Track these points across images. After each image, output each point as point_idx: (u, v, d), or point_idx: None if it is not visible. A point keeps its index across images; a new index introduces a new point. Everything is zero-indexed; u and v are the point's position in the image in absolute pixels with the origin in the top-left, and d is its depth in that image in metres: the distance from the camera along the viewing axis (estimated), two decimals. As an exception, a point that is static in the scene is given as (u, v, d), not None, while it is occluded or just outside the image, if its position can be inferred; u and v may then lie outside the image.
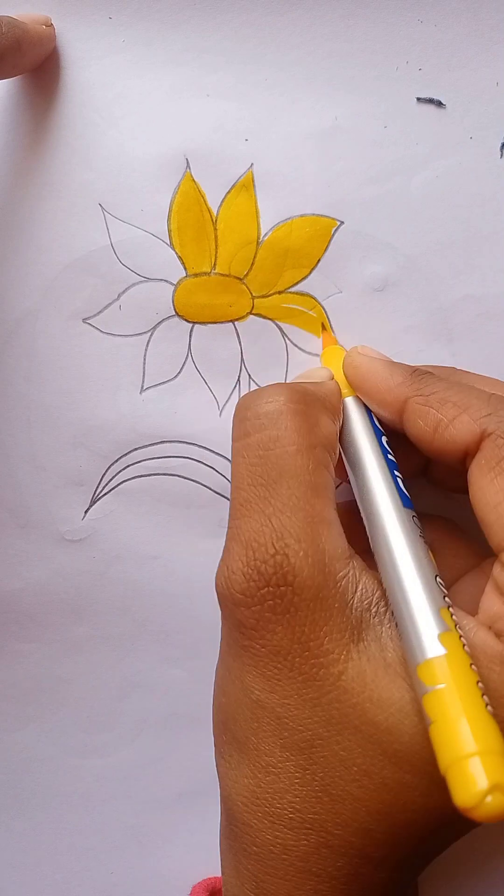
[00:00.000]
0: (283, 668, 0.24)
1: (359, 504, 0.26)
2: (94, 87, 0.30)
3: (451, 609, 0.23)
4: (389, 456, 0.27)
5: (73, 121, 0.31)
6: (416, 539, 0.25)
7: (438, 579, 0.24)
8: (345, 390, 0.29)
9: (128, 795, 0.33)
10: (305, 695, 0.24)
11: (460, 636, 0.22)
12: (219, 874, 0.32)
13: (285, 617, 0.24)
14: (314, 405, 0.26)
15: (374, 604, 0.24)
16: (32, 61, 0.30)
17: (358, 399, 0.28)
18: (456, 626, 0.23)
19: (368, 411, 0.28)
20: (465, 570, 0.28)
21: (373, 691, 0.23)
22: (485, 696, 0.21)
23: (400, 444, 0.28)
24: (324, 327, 0.31)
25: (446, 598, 0.23)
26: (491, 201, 0.30)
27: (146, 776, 0.33)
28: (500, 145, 0.30)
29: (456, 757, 0.20)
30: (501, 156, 0.31)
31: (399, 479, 0.26)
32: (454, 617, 0.23)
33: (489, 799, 0.20)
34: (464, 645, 0.22)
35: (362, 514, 0.26)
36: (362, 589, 0.24)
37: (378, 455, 0.27)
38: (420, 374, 0.27)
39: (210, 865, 0.33)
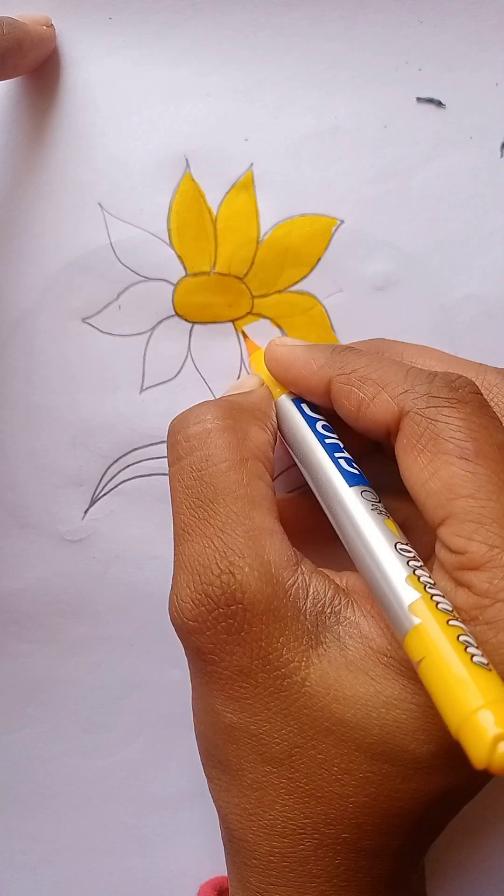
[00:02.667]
0: (248, 686, 0.24)
1: (318, 498, 0.26)
2: (94, 88, 0.31)
3: (418, 573, 0.23)
4: (328, 440, 0.27)
5: (73, 121, 0.31)
6: (365, 514, 0.24)
7: (400, 546, 0.24)
8: (276, 390, 0.28)
9: (128, 795, 0.33)
10: (275, 708, 0.24)
11: (432, 596, 0.22)
12: (223, 873, 0.32)
13: (240, 635, 0.24)
14: (243, 417, 0.26)
15: (327, 605, 0.24)
16: (33, 62, 0.30)
17: (289, 394, 0.28)
18: (426, 587, 0.22)
19: (300, 402, 0.28)
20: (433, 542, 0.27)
21: (337, 691, 0.23)
22: (471, 648, 0.21)
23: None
24: (244, 335, 0.31)
25: (411, 563, 0.23)
26: (491, 201, 0.31)
27: (146, 776, 0.33)
28: (500, 145, 0.30)
29: (463, 716, 0.20)
30: (501, 155, 0.31)
31: (342, 460, 0.26)
32: (422, 580, 0.23)
33: (502, 746, 0.19)
34: (437, 604, 0.22)
35: (323, 508, 0.26)
36: (314, 592, 0.24)
37: (315, 444, 0.27)
38: (340, 350, 0.27)
39: (210, 865, 0.33)
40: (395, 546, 0.24)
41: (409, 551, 0.24)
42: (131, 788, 0.33)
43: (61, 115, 0.31)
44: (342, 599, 0.25)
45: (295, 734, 0.24)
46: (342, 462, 0.26)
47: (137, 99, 0.30)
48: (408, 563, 0.23)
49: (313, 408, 0.28)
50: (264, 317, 0.31)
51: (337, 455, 0.26)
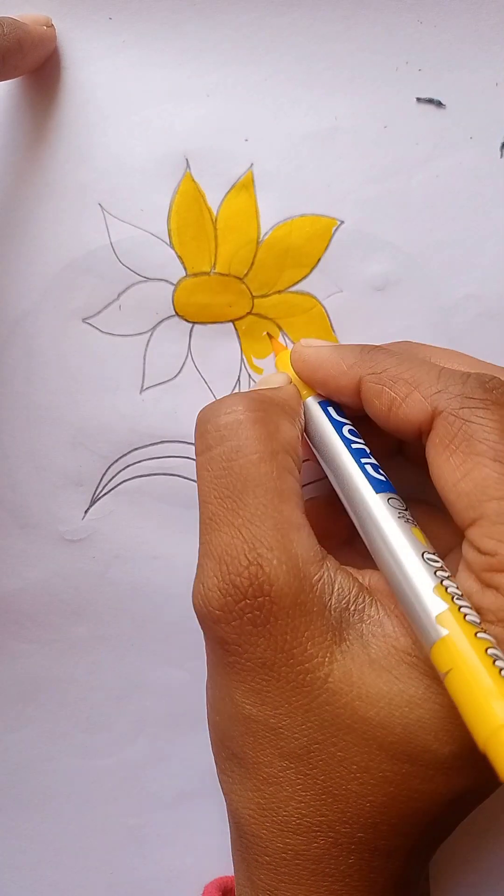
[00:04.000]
0: (270, 679, 0.24)
1: (343, 503, 0.26)
2: (95, 88, 0.30)
3: (445, 583, 0.23)
4: (355, 445, 0.27)
5: (73, 121, 0.31)
6: (393, 522, 0.25)
7: (427, 555, 0.24)
8: (303, 392, 0.28)
9: (128, 795, 0.33)
10: (296, 702, 0.24)
11: (460, 608, 0.22)
12: (227, 873, 0.32)
13: (266, 628, 0.24)
14: (273, 411, 0.26)
15: (351, 602, 0.24)
16: (33, 62, 0.30)
17: (317, 397, 0.28)
18: (454, 598, 0.22)
19: (327, 406, 0.28)
20: (446, 550, 0.27)
21: (360, 689, 0.23)
22: (500, 662, 0.21)
23: (373, 426, 0.27)
24: (270, 336, 0.31)
25: (438, 573, 0.23)
26: (491, 201, 0.31)
27: (146, 776, 0.33)
28: (499, 145, 0.30)
29: (491, 730, 0.20)
30: (501, 156, 0.31)
31: (369, 466, 0.26)
32: (450, 590, 0.23)
33: None
34: (465, 616, 0.22)
35: (349, 513, 0.26)
36: (339, 589, 0.24)
37: (342, 449, 0.27)
38: (370, 350, 0.27)
39: (211, 865, 0.33)
40: (423, 555, 0.24)
41: (437, 561, 0.24)
42: (131, 788, 0.33)
43: (61, 115, 0.31)
44: (366, 598, 0.24)
45: (315, 730, 0.24)
46: (369, 468, 0.26)
47: (137, 99, 0.30)
48: (435, 572, 0.23)
49: (339, 411, 0.28)
50: (264, 317, 0.31)
51: (364, 461, 0.26)
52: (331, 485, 0.27)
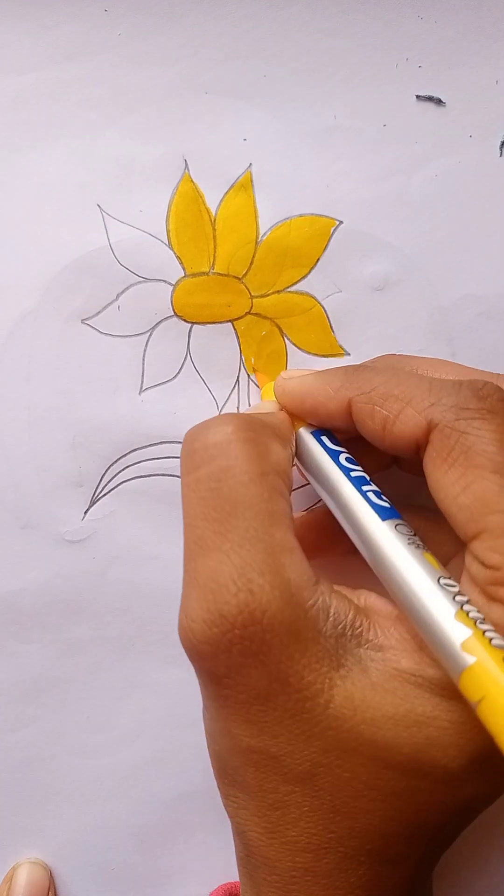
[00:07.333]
0: (266, 709, 0.23)
1: (348, 534, 0.26)
2: (91, 84, 0.30)
3: (466, 608, 0.22)
4: (354, 473, 0.26)
5: (71, 120, 0.30)
6: (404, 550, 0.24)
7: (443, 581, 0.23)
8: (294, 423, 0.28)
9: (128, 795, 0.33)
10: (296, 729, 0.23)
11: (485, 632, 0.22)
12: (226, 871, 0.33)
13: (258, 658, 0.23)
14: (264, 433, 0.25)
15: (348, 626, 0.24)
16: None
17: (308, 427, 0.28)
18: (477, 622, 0.22)
19: (321, 435, 0.27)
20: (448, 557, 0.27)
21: (365, 712, 0.23)
22: None
23: (367, 444, 0.27)
24: (255, 370, 0.31)
25: (457, 598, 0.23)
26: (491, 200, 0.30)
27: (146, 776, 0.33)
28: (499, 144, 0.30)
29: None
30: (501, 154, 0.30)
31: (371, 493, 0.25)
32: (471, 615, 0.22)
33: None
34: (491, 640, 0.21)
35: (355, 543, 0.26)
36: (334, 613, 0.23)
37: (342, 479, 0.26)
38: (355, 370, 0.26)
39: (210, 864, 0.33)
40: (439, 581, 0.23)
41: (454, 585, 0.23)
42: (132, 788, 0.33)
43: (60, 115, 0.30)
44: (363, 622, 0.24)
45: (318, 754, 0.23)
46: (372, 496, 0.25)
47: (135, 96, 0.30)
48: (454, 598, 0.23)
49: (333, 439, 0.27)
50: (264, 317, 0.31)
51: (365, 489, 0.25)
52: (321, 504, 0.27)
